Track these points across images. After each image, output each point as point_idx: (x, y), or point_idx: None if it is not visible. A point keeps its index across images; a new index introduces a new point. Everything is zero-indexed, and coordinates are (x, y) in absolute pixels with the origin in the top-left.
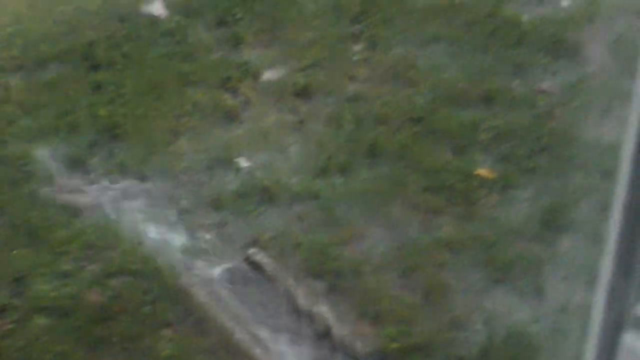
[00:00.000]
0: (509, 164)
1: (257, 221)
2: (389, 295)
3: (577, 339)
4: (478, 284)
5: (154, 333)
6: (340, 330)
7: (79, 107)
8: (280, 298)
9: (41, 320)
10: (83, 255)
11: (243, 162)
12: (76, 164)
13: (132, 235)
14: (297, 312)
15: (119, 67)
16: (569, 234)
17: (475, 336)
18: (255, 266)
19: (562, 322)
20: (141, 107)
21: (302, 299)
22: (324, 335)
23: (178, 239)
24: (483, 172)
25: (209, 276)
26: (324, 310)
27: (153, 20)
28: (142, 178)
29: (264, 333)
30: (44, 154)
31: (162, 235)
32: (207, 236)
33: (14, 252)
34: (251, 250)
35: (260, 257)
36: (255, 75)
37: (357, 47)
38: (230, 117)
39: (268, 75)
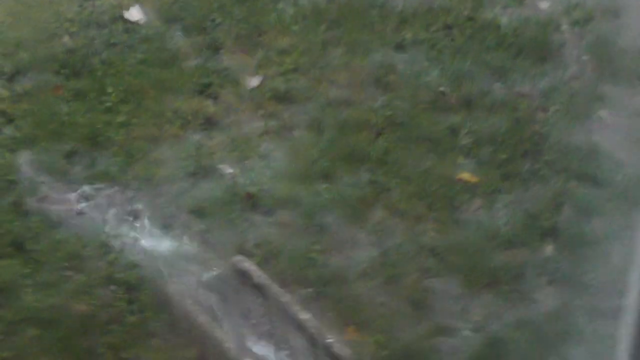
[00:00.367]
0: (491, 169)
1: (241, 228)
2: (376, 302)
3: (559, 344)
4: (463, 289)
5: (141, 343)
6: (327, 337)
7: (60, 115)
8: (266, 306)
9: (28, 331)
10: (68, 265)
11: (226, 169)
12: (58, 173)
13: (116, 244)
14: (284, 319)
15: (99, 74)
16: (551, 238)
17: (463, 342)
18: (241, 274)
19: (547, 328)
20: (122, 115)
21: (289, 307)
22: (311, 342)
23: (163, 247)
24: (465, 176)
25: (195, 284)
26: (310, 317)
27: (132, 26)
28: (125, 186)
29: (251, 341)
30: (25, 163)
31: (146, 244)
32: (192, 244)
33: None
34: (236, 258)
35: (246, 264)
36: (236, 81)
37: (337, 52)
38: (212, 123)
39: (248, 81)
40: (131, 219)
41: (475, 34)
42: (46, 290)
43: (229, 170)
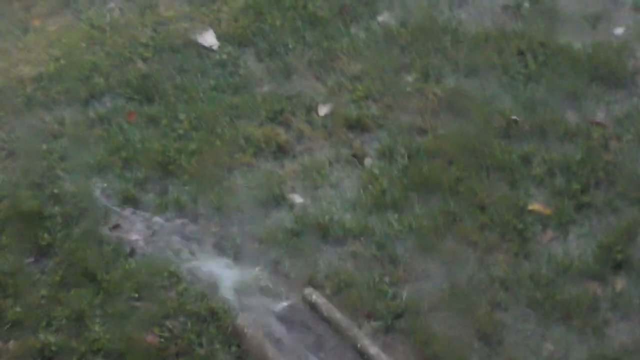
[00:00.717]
0: (564, 199)
1: (311, 259)
2: (446, 336)
3: None
4: (534, 323)
5: None
6: None
7: (133, 141)
8: (336, 339)
9: None
10: (137, 295)
11: (297, 198)
12: (130, 201)
13: (186, 274)
14: (354, 353)
15: (172, 100)
16: (624, 271)
17: None
18: (311, 306)
19: None
20: (194, 142)
21: (358, 340)
22: None
23: (233, 277)
24: (537, 207)
25: (265, 317)
26: (379, 351)
27: (205, 51)
28: (196, 215)
29: None
30: (98, 191)
31: (216, 274)
32: (262, 275)
33: (71, 292)
34: (306, 290)
35: (316, 296)
36: (308, 108)
37: (409, 78)
38: (283, 151)
39: (320, 107)
40: (202, 248)
41: (548, 59)
42: (116, 320)
43: (299, 199)
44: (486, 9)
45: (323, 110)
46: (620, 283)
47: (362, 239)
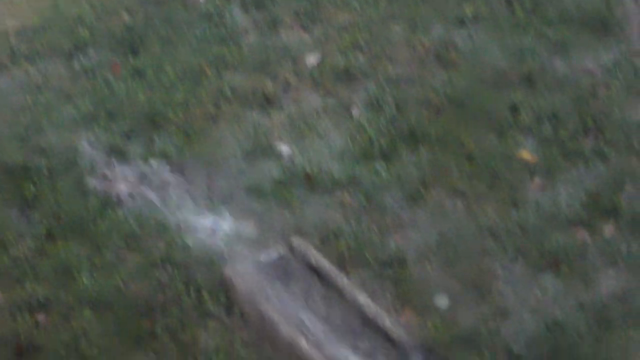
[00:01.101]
0: (552, 147)
1: (299, 209)
2: (434, 285)
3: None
4: (523, 271)
5: (199, 325)
6: (385, 320)
7: (119, 94)
8: (324, 288)
9: (86, 314)
10: (125, 246)
11: (284, 149)
12: (116, 152)
13: (174, 224)
14: (341, 301)
15: (157, 52)
16: (613, 218)
17: (522, 326)
18: (299, 255)
19: (608, 311)
20: (180, 93)
21: (346, 289)
22: (368, 324)
23: (220, 227)
24: (526, 155)
25: (253, 266)
26: (367, 299)
27: (190, 2)
28: (183, 166)
29: (308, 323)
30: (84, 143)
31: (204, 224)
32: (249, 225)
33: (58, 243)
34: (294, 239)
35: (304, 246)
36: (295, 59)
37: (397, 28)
38: (270, 102)
39: (307, 58)
40: (189, 198)
41: (536, 8)
42: (104, 271)
43: (287, 150)
44: None
45: (310, 60)
46: (608, 230)
47: (350, 188)
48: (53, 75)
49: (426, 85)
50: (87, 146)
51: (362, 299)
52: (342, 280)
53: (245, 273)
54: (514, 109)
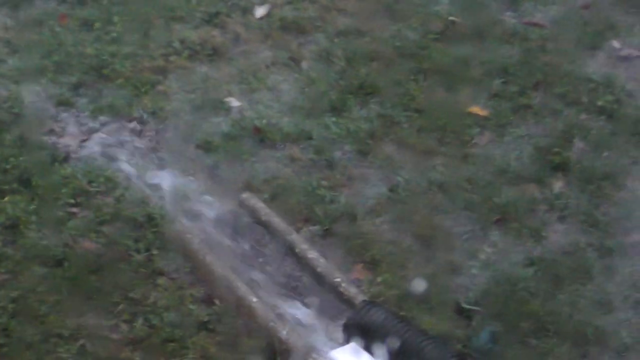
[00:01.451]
0: (502, 101)
1: (249, 164)
2: (384, 240)
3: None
4: (472, 226)
5: (149, 282)
6: (335, 276)
7: (66, 45)
8: (274, 244)
9: (35, 270)
10: (74, 202)
11: (233, 102)
12: (64, 105)
13: (123, 179)
14: (292, 258)
15: (105, 3)
16: (562, 173)
17: (472, 281)
18: (249, 211)
19: (556, 265)
20: (128, 45)
21: (296, 244)
22: (318, 281)
23: (170, 183)
24: (475, 109)
25: (202, 222)
26: (318, 255)
27: None
28: (131, 119)
29: (259, 280)
30: (30, 95)
31: (153, 180)
32: (199, 180)
33: (5, 198)
34: (244, 195)
35: (253, 201)
36: (244, 10)
37: None
38: (219, 54)
39: (256, 9)
40: (137, 153)
41: None
42: (52, 227)
43: (236, 103)
44: None
45: (259, 12)
46: (557, 185)
47: (300, 143)
48: None
49: (376, 37)
50: (34, 99)
51: (312, 255)
52: (292, 235)
53: (195, 229)
54: (464, 62)
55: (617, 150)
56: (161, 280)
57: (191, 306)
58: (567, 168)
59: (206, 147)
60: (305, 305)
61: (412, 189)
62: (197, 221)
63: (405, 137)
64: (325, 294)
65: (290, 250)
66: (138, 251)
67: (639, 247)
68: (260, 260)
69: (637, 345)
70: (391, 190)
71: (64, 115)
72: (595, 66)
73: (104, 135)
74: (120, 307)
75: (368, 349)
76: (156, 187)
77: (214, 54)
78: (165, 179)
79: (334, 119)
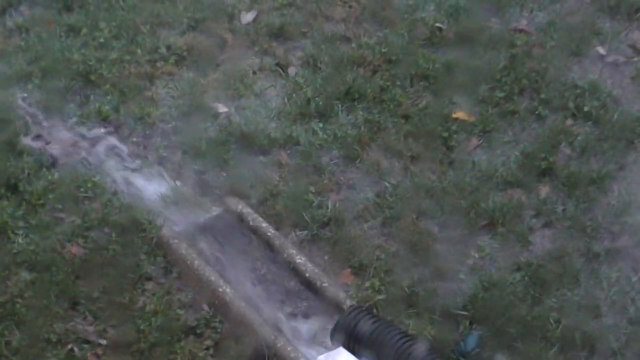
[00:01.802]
0: (488, 107)
1: (236, 169)
2: (372, 245)
3: (555, 287)
4: (459, 231)
5: (137, 287)
6: (322, 281)
7: (53, 51)
8: (261, 249)
9: (22, 275)
10: (62, 207)
11: (220, 108)
12: (51, 111)
13: (110, 185)
14: (279, 263)
15: (91, 9)
16: (548, 178)
17: (459, 286)
18: (237, 216)
19: (543, 270)
20: (115, 51)
21: (284, 250)
22: (306, 286)
23: (157, 188)
24: (462, 115)
25: (190, 227)
26: (305, 260)
27: None
28: (119, 125)
29: (246, 285)
30: (18, 101)
31: (140, 185)
32: (187, 185)
33: None
34: (231, 200)
35: (241, 206)
36: (230, 16)
37: None
38: (206, 60)
39: (243, 15)
40: (125, 159)
41: None
42: (40, 232)
43: (223, 109)
44: None
45: (246, 18)
46: (544, 190)
47: (287, 148)
48: None
49: (362, 43)
50: (22, 104)
51: (300, 259)
52: (279, 241)
53: (182, 234)
54: (450, 68)
55: (603, 156)
56: (149, 285)
57: (179, 311)
58: (554, 173)
59: (193, 152)
60: (293, 309)
61: (399, 194)
62: (185, 226)
63: (392, 143)
64: (312, 298)
65: (277, 255)
66: (126, 256)
67: (626, 252)
68: (247, 264)
69: (624, 350)
70: (378, 195)
71: (51, 120)
72: (581, 72)
73: (91, 141)
74: (108, 312)
75: (356, 353)
76: (144, 193)
77: (201, 60)
78: (153, 184)
79: (321, 124)
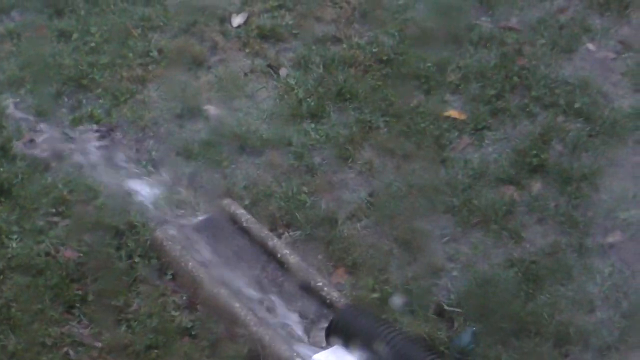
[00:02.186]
0: (479, 105)
1: (229, 170)
2: (365, 244)
3: (551, 284)
4: (452, 229)
5: (131, 289)
6: (316, 280)
7: (44, 56)
8: (256, 250)
9: (17, 279)
10: (55, 211)
11: (212, 110)
12: (44, 116)
13: (103, 188)
14: (273, 263)
15: (82, 13)
16: (540, 175)
17: (453, 283)
18: (230, 217)
19: (536, 266)
20: (106, 55)
21: (277, 250)
22: (301, 286)
23: (150, 191)
24: (453, 113)
25: (184, 229)
26: (299, 260)
27: None
28: (111, 129)
29: (241, 286)
30: (10, 106)
31: (134, 188)
32: (180, 187)
33: None
34: (225, 201)
35: (234, 207)
36: (221, 18)
37: None
38: (197, 63)
39: (234, 17)
40: (118, 162)
41: None
42: (34, 236)
43: (215, 111)
44: None
45: (237, 20)
46: (535, 187)
47: (279, 149)
48: None
49: (353, 44)
50: (14, 109)
51: (294, 259)
52: (273, 241)
53: (176, 236)
54: (441, 67)
55: (594, 152)
56: (143, 288)
57: (174, 313)
58: (545, 170)
59: (186, 154)
60: (288, 310)
61: (392, 193)
62: (178, 228)
63: (384, 142)
64: (307, 298)
65: (271, 256)
66: (120, 259)
67: (618, 247)
68: (243, 266)
69: (618, 344)
70: (371, 194)
71: (44, 125)
72: (571, 69)
73: (84, 145)
74: (103, 314)
75: (351, 352)
76: (137, 195)
77: (192, 63)
78: (146, 187)
79: (313, 125)
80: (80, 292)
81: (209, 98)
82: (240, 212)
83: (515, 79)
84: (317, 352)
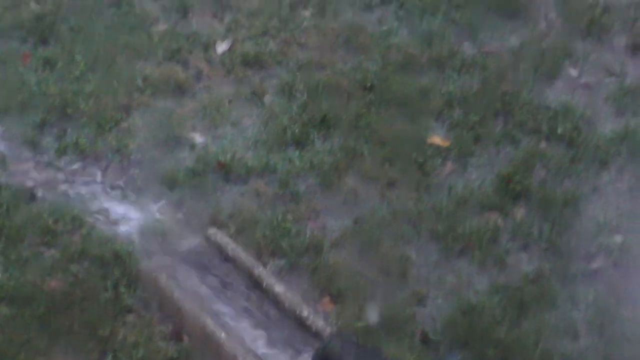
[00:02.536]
0: (462, 131)
1: (214, 199)
2: (350, 272)
3: (533, 309)
4: (437, 256)
5: (117, 319)
6: (303, 309)
7: (29, 84)
8: (241, 279)
9: (2, 310)
10: (41, 241)
11: (197, 137)
12: (29, 145)
13: (89, 217)
14: (259, 292)
15: (67, 42)
16: (523, 201)
17: (438, 310)
18: (216, 246)
19: (521, 293)
20: (91, 83)
21: (263, 279)
22: (286, 314)
23: (136, 220)
24: (437, 140)
25: (169, 258)
26: (285, 289)
27: None
28: (96, 157)
29: (227, 316)
30: None
31: (119, 217)
32: (165, 216)
33: None
34: (210, 230)
35: (219, 236)
36: (206, 46)
37: (306, 13)
38: (182, 90)
39: (218, 45)
40: (103, 191)
41: None
42: (19, 267)
43: (200, 138)
44: None
45: (221, 47)
46: (519, 213)
47: (264, 177)
48: None
49: (337, 70)
50: None
51: (279, 288)
52: (258, 270)
53: (162, 265)
54: (424, 93)
55: (577, 177)
56: (129, 318)
57: (160, 342)
58: (529, 196)
59: (171, 182)
60: (274, 338)
61: (376, 220)
62: (164, 257)
63: (368, 169)
64: (292, 327)
65: (257, 284)
66: (106, 289)
67: (601, 273)
68: (228, 295)
69: None
70: (356, 222)
71: (29, 154)
72: (553, 94)
73: (69, 174)
74: (89, 344)
75: None
76: (123, 225)
77: (177, 90)
78: (132, 216)
79: (297, 152)
80: (66, 322)
81: (194, 125)
82: (226, 241)
83: (498, 104)
84: None
